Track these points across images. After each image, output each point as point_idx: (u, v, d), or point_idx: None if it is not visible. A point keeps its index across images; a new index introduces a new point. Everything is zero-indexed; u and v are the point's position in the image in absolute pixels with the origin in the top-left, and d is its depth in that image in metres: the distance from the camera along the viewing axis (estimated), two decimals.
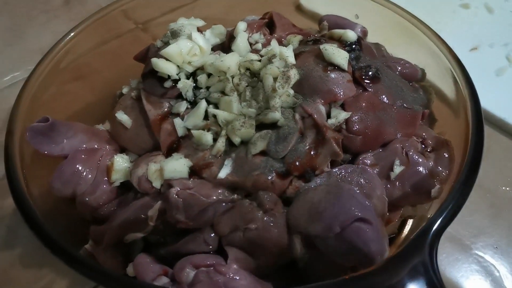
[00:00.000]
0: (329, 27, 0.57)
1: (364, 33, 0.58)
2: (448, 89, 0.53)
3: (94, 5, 0.87)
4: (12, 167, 0.45)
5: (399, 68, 0.54)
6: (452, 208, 0.39)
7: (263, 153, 0.44)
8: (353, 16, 0.62)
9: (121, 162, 0.49)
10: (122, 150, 0.52)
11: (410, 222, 0.51)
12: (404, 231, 0.51)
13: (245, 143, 0.45)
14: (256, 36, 0.51)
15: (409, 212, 0.48)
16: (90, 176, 0.48)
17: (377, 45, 0.56)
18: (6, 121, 0.69)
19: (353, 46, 0.50)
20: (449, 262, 0.53)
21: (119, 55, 0.68)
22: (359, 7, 0.63)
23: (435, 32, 0.56)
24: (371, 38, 0.60)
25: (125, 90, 0.55)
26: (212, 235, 0.44)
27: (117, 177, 0.48)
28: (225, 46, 0.53)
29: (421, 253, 0.36)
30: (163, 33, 0.59)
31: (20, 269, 0.53)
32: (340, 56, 0.46)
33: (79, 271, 0.37)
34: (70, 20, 0.84)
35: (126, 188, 0.49)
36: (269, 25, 0.56)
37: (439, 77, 0.55)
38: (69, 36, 0.59)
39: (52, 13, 0.86)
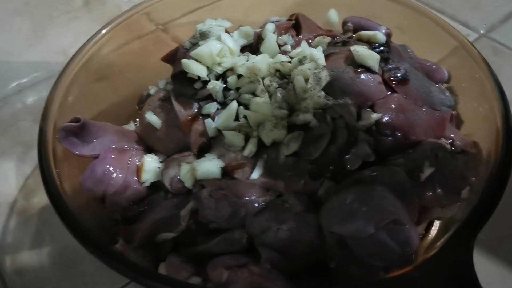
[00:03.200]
0: (353, 29, 0.57)
1: (389, 34, 0.58)
2: (474, 90, 0.53)
3: (114, 6, 0.88)
4: (46, 165, 0.45)
5: (426, 69, 0.54)
6: (487, 206, 0.39)
7: (295, 154, 0.44)
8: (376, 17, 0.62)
9: (151, 162, 0.49)
10: (151, 150, 0.52)
11: (436, 223, 0.52)
12: (431, 233, 0.51)
13: (276, 144, 0.45)
14: (285, 37, 0.52)
15: (437, 214, 0.49)
16: (120, 176, 0.49)
17: (403, 46, 0.56)
18: (29, 121, 0.71)
19: (382, 48, 0.50)
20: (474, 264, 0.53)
21: (141, 55, 0.68)
22: (382, 8, 0.63)
23: (458, 31, 0.56)
24: (394, 39, 0.61)
25: (152, 91, 0.56)
26: (244, 235, 0.44)
27: (147, 177, 0.49)
28: (252, 47, 0.54)
29: (458, 253, 0.36)
30: (183, 34, 0.59)
31: (49, 268, 0.54)
32: (371, 58, 0.47)
33: (120, 269, 0.37)
34: (91, 21, 0.84)
35: (155, 188, 0.50)
36: (295, 26, 0.57)
37: (465, 77, 0.55)
38: (96, 38, 0.59)
39: (73, 13, 0.87)
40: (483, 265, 0.53)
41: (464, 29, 0.82)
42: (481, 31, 0.81)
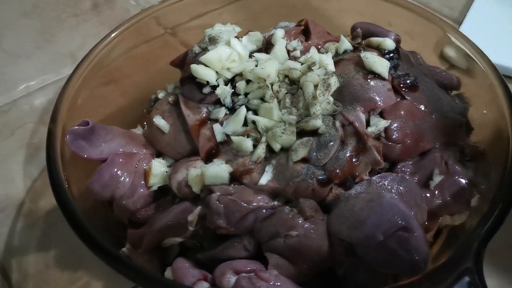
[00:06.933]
0: (362, 35, 0.57)
1: (398, 40, 0.58)
2: (484, 97, 0.53)
3: (123, 10, 0.88)
4: (54, 168, 0.46)
5: (436, 76, 0.54)
6: (498, 215, 0.39)
7: (304, 160, 0.44)
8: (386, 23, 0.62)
9: (158, 166, 0.49)
10: (159, 154, 0.52)
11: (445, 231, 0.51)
12: (439, 241, 0.51)
13: (285, 149, 0.45)
14: (294, 43, 0.52)
15: (446, 221, 0.48)
16: (128, 179, 0.48)
17: (413, 53, 0.56)
18: (37, 123, 0.71)
19: (392, 54, 0.50)
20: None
21: (149, 59, 0.68)
22: (392, 14, 0.63)
23: (467, 37, 0.56)
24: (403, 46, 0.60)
25: (161, 95, 0.56)
26: (251, 241, 0.44)
27: (155, 181, 0.49)
28: (261, 52, 0.53)
29: (467, 262, 0.36)
30: (192, 38, 0.59)
31: (56, 271, 0.54)
32: (381, 65, 0.46)
33: (126, 273, 0.37)
34: (100, 24, 0.85)
35: (162, 192, 0.50)
36: (304, 32, 0.57)
37: (474, 84, 0.55)
38: (105, 41, 0.59)
39: (82, 16, 0.87)
40: (494, 273, 0.53)
41: None
42: None
